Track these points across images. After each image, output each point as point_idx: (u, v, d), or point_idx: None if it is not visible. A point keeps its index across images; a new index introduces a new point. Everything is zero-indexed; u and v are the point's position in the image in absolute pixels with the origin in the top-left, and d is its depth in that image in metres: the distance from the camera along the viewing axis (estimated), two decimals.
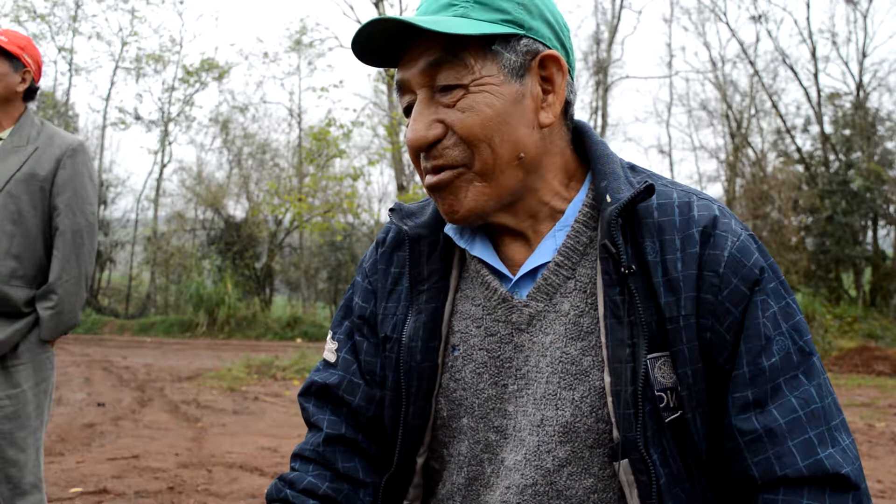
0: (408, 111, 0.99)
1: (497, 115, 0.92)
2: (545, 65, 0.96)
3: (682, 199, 0.97)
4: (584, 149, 1.04)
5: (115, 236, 20.95)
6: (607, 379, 0.92)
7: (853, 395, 8.60)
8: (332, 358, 1.12)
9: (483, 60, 0.93)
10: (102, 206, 19.94)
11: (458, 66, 0.92)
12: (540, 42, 0.96)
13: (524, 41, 0.95)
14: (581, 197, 1.01)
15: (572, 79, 1.01)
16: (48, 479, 4.34)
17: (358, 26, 0.93)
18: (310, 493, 1.04)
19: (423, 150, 0.95)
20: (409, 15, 0.97)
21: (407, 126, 0.99)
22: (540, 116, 0.96)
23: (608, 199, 0.94)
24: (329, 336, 1.15)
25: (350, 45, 0.96)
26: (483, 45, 0.93)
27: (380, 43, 0.96)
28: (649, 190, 0.93)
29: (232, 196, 20.08)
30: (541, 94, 0.96)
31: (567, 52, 1.00)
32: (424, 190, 1.02)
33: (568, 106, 1.01)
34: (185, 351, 12.70)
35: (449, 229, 1.04)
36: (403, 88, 0.98)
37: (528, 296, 0.99)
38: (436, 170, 0.96)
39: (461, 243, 1.02)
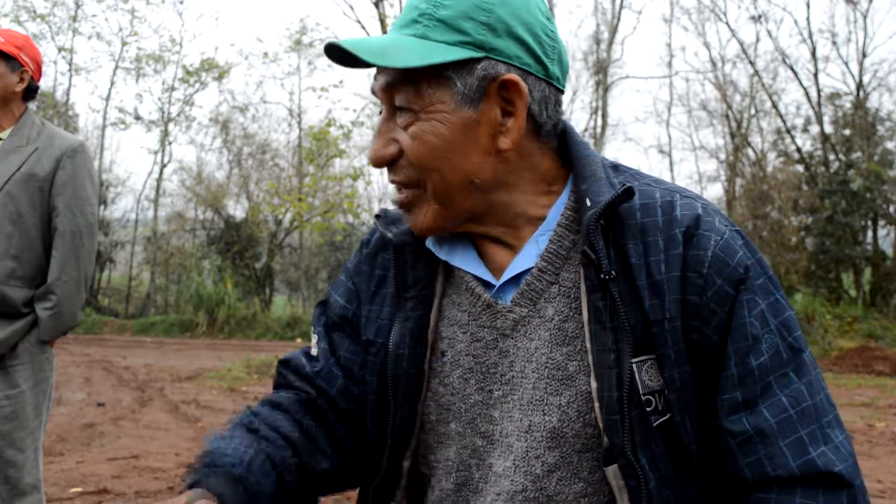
0: None
1: (445, 145, 0.92)
2: (507, 87, 0.93)
3: (665, 198, 0.96)
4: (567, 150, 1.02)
5: (115, 236, 20.96)
6: (594, 384, 0.92)
7: (853, 395, 8.59)
8: (314, 352, 1.13)
9: (436, 86, 0.91)
10: (102, 206, 19.93)
11: (411, 91, 0.92)
12: (503, 62, 0.92)
13: (483, 64, 0.91)
14: (563, 200, 0.99)
15: (562, 85, 0.98)
16: (48, 479, 4.34)
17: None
18: (275, 427, 1.04)
19: (384, 166, 0.98)
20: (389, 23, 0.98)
21: None
22: (498, 142, 0.94)
23: (588, 202, 0.93)
24: (312, 330, 1.17)
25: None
26: (437, 71, 0.91)
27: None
28: (628, 192, 0.92)
29: (232, 196, 20.11)
30: (500, 118, 0.93)
31: (544, 64, 0.95)
32: None
33: (542, 125, 0.97)
34: (185, 351, 12.70)
35: (429, 242, 1.03)
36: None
37: (511, 301, 0.98)
38: (398, 186, 0.98)
39: (441, 255, 1.01)
